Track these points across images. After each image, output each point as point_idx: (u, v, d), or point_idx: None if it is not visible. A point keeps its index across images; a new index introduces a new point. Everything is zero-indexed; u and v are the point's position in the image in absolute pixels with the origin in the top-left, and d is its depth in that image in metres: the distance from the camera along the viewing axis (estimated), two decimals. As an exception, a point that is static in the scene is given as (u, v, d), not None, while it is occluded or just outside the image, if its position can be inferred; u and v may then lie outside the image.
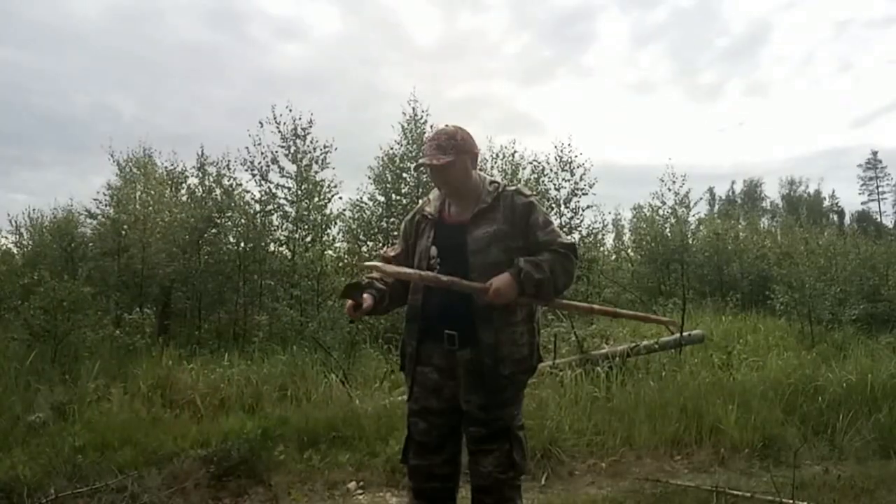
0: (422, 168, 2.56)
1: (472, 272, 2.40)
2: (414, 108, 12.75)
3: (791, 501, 3.37)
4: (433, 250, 2.52)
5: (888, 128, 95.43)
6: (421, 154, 2.55)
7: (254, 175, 11.99)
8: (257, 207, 11.98)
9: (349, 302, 2.52)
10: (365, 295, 2.53)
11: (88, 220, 13.53)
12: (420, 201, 2.77)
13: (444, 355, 2.48)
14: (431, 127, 12.71)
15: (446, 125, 2.58)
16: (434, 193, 2.69)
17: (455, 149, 2.47)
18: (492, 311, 2.38)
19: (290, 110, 11.85)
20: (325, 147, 12.01)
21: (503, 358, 2.39)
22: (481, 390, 2.41)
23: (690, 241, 16.98)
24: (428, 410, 2.52)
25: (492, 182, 2.57)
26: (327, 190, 12.03)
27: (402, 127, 12.76)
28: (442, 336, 2.46)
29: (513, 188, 2.56)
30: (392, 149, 12.74)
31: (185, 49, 79.45)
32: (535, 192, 2.61)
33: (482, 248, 2.42)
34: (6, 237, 14.72)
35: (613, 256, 19.18)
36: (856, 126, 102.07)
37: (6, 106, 52.55)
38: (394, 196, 12.40)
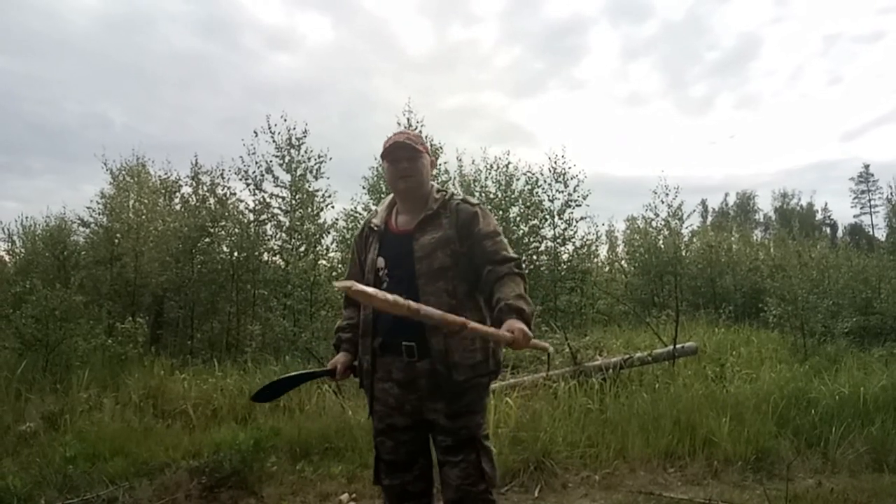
0: (388, 156, 2.48)
1: (419, 278, 2.34)
2: (408, 119, 12.82)
3: (784, 514, 3.37)
4: (380, 261, 2.47)
5: (878, 141, 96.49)
6: (385, 150, 2.50)
7: (248, 184, 12.00)
8: (251, 217, 11.97)
9: (337, 369, 2.53)
10: (339, 356, 2.57)
11: (81, 229, 13.49)
12: (368, 216, 2.72)
13: (403, 368, 2.38)
14: (426, 137, 12.79)
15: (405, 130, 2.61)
16: (382, 206, 2.66)
17: (423, 146, 2.52)
18: None
19: (285, 120, 11.89)
20: (319, 157, 12.04)
21: (456, 364, 2.31)
22: (443, 399, 2.34)
23: (684, 253, 17.03)
24: (394, 427, 2.44)
25: (439, 191, 2.55)
26: (321, 200, 12.05)
27: (397, 137, 12.80)
28: (400, 349, 2.37)
29: (459, 198, 2.52)
30: (387, 159, 12.76)
31: (177, 58, 79.46)
32: (480, 202, 2.56)
33: (428, 253, 2.37)
34: (-2, 245, 14.65)
35: (607, 268, 19.22)
36: (846, 139, 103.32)
37: (-3, 113, 52.52)
38: (388, 206, 12.39)
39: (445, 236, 2.39)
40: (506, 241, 2.47)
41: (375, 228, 2.55)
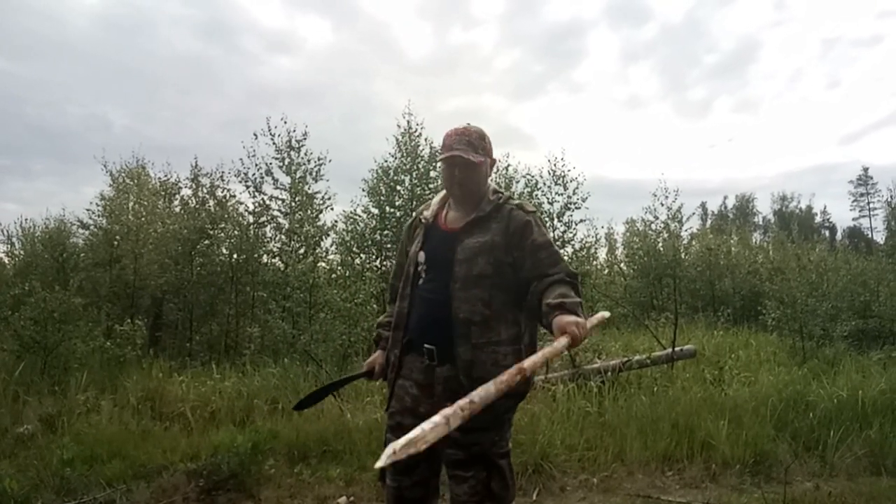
0: (444, 161, 2.36)
1: (455, 282, 2.26)
2: (408, 122, 12.83)
3: (782, 518, 3.37)
4: (421, 256, 2.40)
5: (877, 144, 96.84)
6: (442, 147, 2.37)
7: (248, 186, 12.03)
8: (251, 219, 11.99)
9: (375, 369, 2.55)
10: (377, 355, 2.57)
11: (81, 231, 13.50)
12: (422, 207, 2.63)
13: (423, 370, 2.33)
14: (426, 140, 12.79)
15: (469, 125, 2.43)
16: (436, 198, 2.55)
17: (485, 151, 2.40)
18: (470, 326, 2.23)
19: (285, 122, 11.91)
20: (319, 159, 12.07)
21: (479, 378, 2.11)
22: None
23: (683, 256, 17.05)
24: (402, 427, 2.28)
25: (495, 192, 2.43)
26: (321, 202, 12.06)
27: (397, 140, 12.82)
28: (422, 350, 2.32)
29: (516, 202, 2.42)
30: (386, 161, 12.80)
31: (178, 61, 79.77)
32: (536, 210, 2.43)
33: (469, 257, 2.27)
34: (-3, 247, 14.63)
35: (606, 270, 19.24)
36: (845, 142, 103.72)
37: (-2, 115, 52.61)
38: (388, 208, 12.42)
39: (491, 242, 2.29)
40: (560, 253, 2.36)
41: (423, 221, 2.48)
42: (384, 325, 2.58)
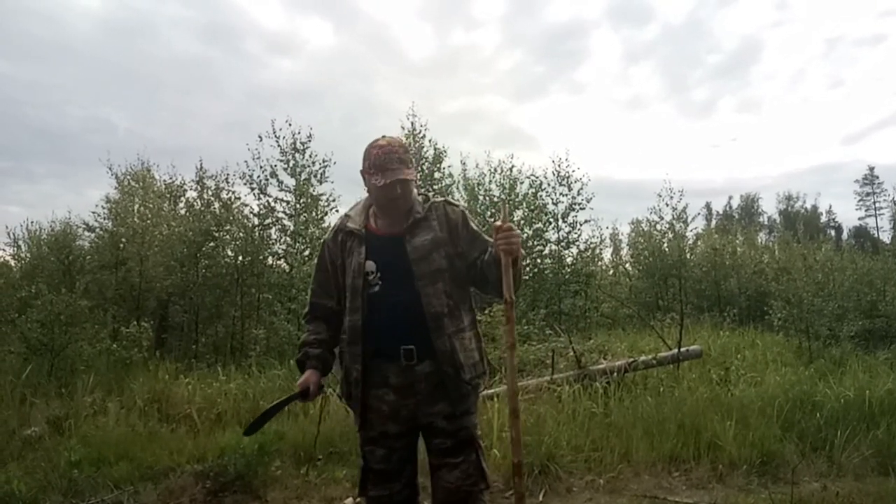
0: (387, 185, 2.34)
1: (420, 279, 2.32)
2: (413, 123, 12.85)
3: (789, 519, 3.36)
4: (370, 265, 2.38)
5: (880, 144, 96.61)
6: (373, 166, 2.36)
7: (252, 189, 12.04)
8: (256, 221, 12.01)
9: (310, 389, 2.48)
10: (309, 374, 2.49)
11: (86, 234, 13.53)
12: (339, 219, 2.62)
13: (400, 373, 2.34)
14: (430, 142, 12.81)
15: (385, 137, 2.43)
16: (356, 209, 2.57)
17: (412, 162, 2.44)
18: (442, 319, 2.32)
19: (290, 124, 11.93)
20: (324, 161, 12.08)
21: (462, 364, 2.34)
22: (446, 400, 2.34)
23: (688, 256, 17.01)
24: (386, 435, 2.38)
25: (420, 193, 2.52)
26: (325, 203, 12.08)
27: (401, 141, 12.85)
28: (397, 353, 2.32)
29: (442, 199, 2.53)
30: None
31: (179, 63, 80.00)
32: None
33: (424, 255, 2.35)
34: (3, 249, 14.71)
35: (611, 271, 19.22)
36: (847, 142, 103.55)
37: (-1, 118, 52.88)
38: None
39: (438, 238, 2.39)
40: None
41: (356, 232, 2.45)
42: (311, 344, 2.55)
